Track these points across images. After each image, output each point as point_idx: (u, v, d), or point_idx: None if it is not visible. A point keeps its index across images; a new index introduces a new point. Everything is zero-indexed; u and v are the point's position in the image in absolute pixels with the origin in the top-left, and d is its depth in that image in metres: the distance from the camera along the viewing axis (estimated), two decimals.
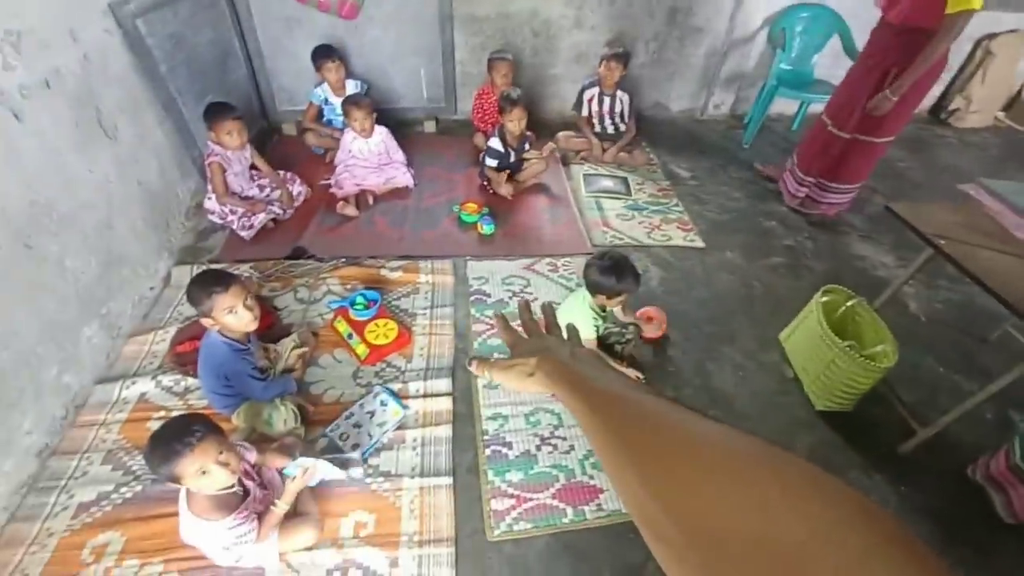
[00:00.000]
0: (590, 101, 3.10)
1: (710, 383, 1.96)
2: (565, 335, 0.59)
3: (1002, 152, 3.77)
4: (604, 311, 1.86)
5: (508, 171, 2.77)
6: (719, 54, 3.52)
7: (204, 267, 2.14)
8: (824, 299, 1.90)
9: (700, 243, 2.61)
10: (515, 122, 2.56)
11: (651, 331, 2.03)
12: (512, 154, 2.71)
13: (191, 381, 1.73)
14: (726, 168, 3.25)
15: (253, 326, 1.45)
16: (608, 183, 2.99)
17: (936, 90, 4.08)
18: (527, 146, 2.80)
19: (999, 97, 4.03)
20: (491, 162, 2.68)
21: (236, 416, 1.54)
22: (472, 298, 2.21)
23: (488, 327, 2.08)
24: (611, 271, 1.76)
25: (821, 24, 3.31)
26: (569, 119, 3.40)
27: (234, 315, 1.39)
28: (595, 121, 3.17)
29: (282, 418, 1.54)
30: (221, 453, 1.08)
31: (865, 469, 1.73)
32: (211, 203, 2.32)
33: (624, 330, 1.99)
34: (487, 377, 0.56)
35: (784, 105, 3.56)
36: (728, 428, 0.31)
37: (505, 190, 2.72)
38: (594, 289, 1.80)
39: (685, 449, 0.31)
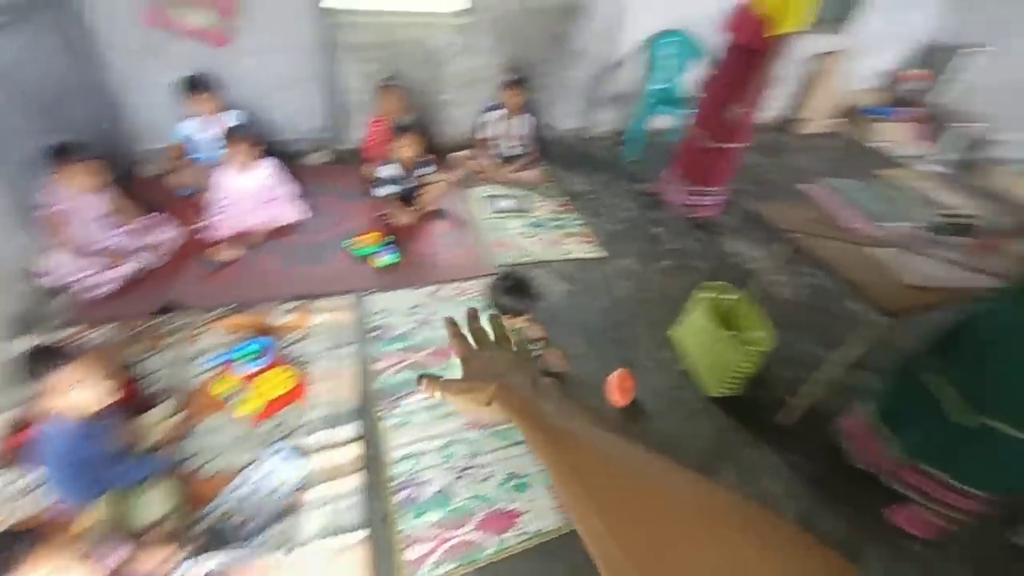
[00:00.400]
0: (491, 123, 3.15)
1: None
2: (514, 348, 0.56)
3: (835, 153, 4.39)
4: (511, 329, 1.86)
5: (406, 198, 2.71)
6: (598, 75, 3.76)
7: (48, 336, 1.84)
8: (705, 295, 2.05)
9: (600, 253, 2.73)
10: (407, 149, 2.52)
11: (620, 398, 2.01)
12: (408, 181, 2.67)
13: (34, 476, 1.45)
14: (617, 181, 3.45)
15: (109, 400, 1.26)
16: (509, 202, 3.04)
17: (783, 102, 4.67)
18: (425, 171, 2.77)
19: (830, 107, 4.70)
20: (386, 190, 2.62)
21: (96, 510, 1.31)
22: (375, 334, 2.12)
23: (396, 363, 1.99)
24: (513, 291, 1.77)
25: (685, 48, 3.66)
26: (464, 143, 3.44)
27: (83, 391, 1.20)
28: (499, 142, 3.22)
29: (153, 505, 1.34)
30: None
31: (757, 445, 1.88)
32: (56, 259, 2.02)
33: (533, 346, 2.00)
34: (436, 398, 0.51)
35: (663, 120, 3.86)
36: (699, 478, 0.31)
37: (406, 217, 2.67)
38: (502, 310, 1.80)
39: (656, 501, 0.29)
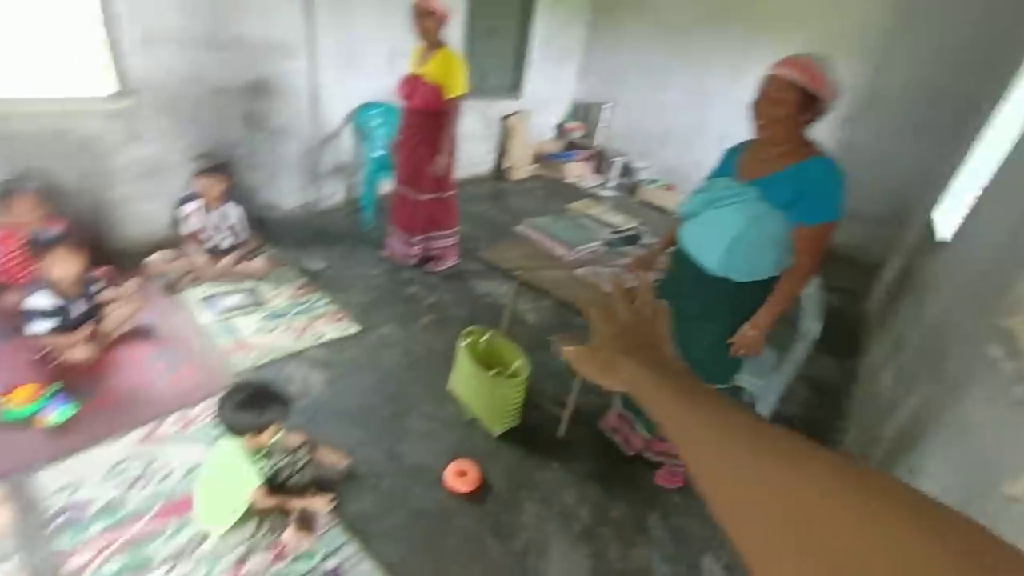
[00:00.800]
0: (191, 217, 2.69)
1: (405, 463, 1.90)
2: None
3: (542, 191, 5.27)
4: (262, 449, 1.57)
5: (75, 328, 2.08)
6: (313, 150, 3.67)
7: None
8: (465, 342, 2.12)
9: (355, 328, 2.58)
10: (61, 267, 1.95)
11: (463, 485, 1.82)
12: (74, 307, 2.06)
13: None
14: (358, 250, 3.38)
15: None
16: (235, 300, 2.65)
17: (490, 157, 5.40)
18: (98, 289, 2.18)
19: (528, 155, 5.64)
20: (42, 324, 1.96)
21: None
22: (61, 520, 1.52)
23: (104, 547, 1.46)
24: (251, 404, 1.50)
25: (389, 116, 3.87)
26: (162, 241, 2.89)
27: None
28: (204, 237, 2.77)
29: None
30: None
31: (546, 465, 1.99)
32: None
33: (295, 456, 1.72)
34: (568, 357, 0.49)
35: (389, 184, 3.98)
36: (839, 457, 0.28)
37: (81, 353, 2.04)
38: (239, 431, 1.50)
39: (808, 484, 0.27)
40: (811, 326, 1.87)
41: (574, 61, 5.81)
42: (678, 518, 1.86)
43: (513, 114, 5.28)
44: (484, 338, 2.20)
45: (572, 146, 6.00)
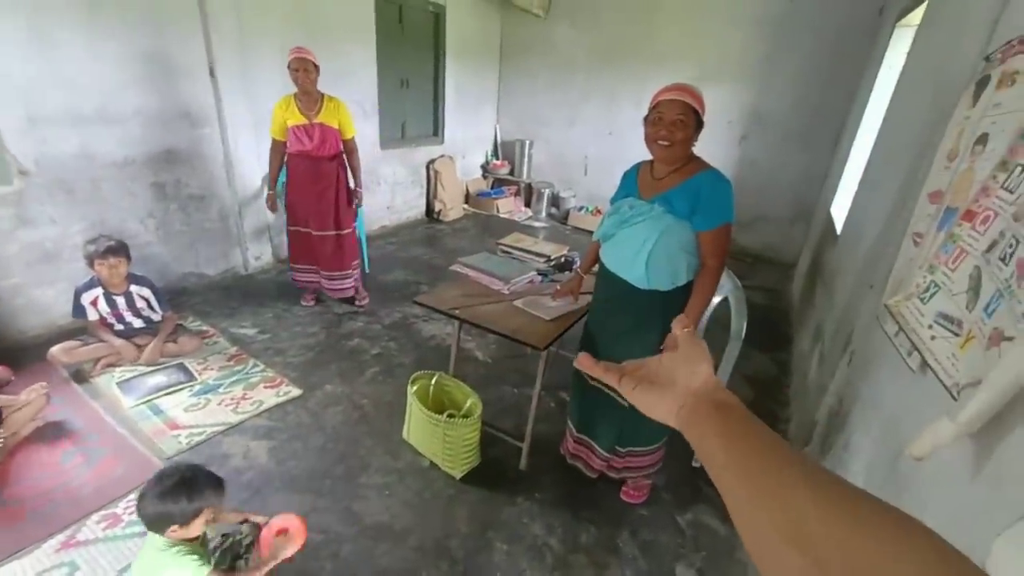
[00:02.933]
0: (94, 304, 2.50)
1: (365, 523, 1.81)
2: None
3: (477, 229, 5.36)
4: (196, 539, 1.44)
5: None
6: (234, 214, 3.55)
7: None
8: (414, 388, 2.08)
9: (296, 391, 2.46)
10: None
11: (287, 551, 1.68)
12: None
13: None
14: (291, 310, 3.26)
15: None
16: (159, 379, 2.45)
17: (421, 201, 5.45)
18: None
19: (459, 195, 5.75)
20: None
21: None
22: None
23: None
24: (178, 491, 1.38)
25: None
26: (65, 329, 2.67)
27: None
28: (113, 321, 2.58)
29: None
30: None
31: (511, 501, 1.95)
32: None
33: (238, 535, 1.59)
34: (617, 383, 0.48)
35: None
36: (896, 514, 0.28)
37: None
38: (166, 524, 1.37)
39: (869, 540, 0.26)
40: (739, 324, 2.00)
41: (491, 104, 6.07)
42: (647, 532, 1.88)
43: (438, 158, 5.39)
44: (433, 382, 2.17)
45: (500, 183, 6.19)
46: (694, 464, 2.18)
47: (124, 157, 2.89)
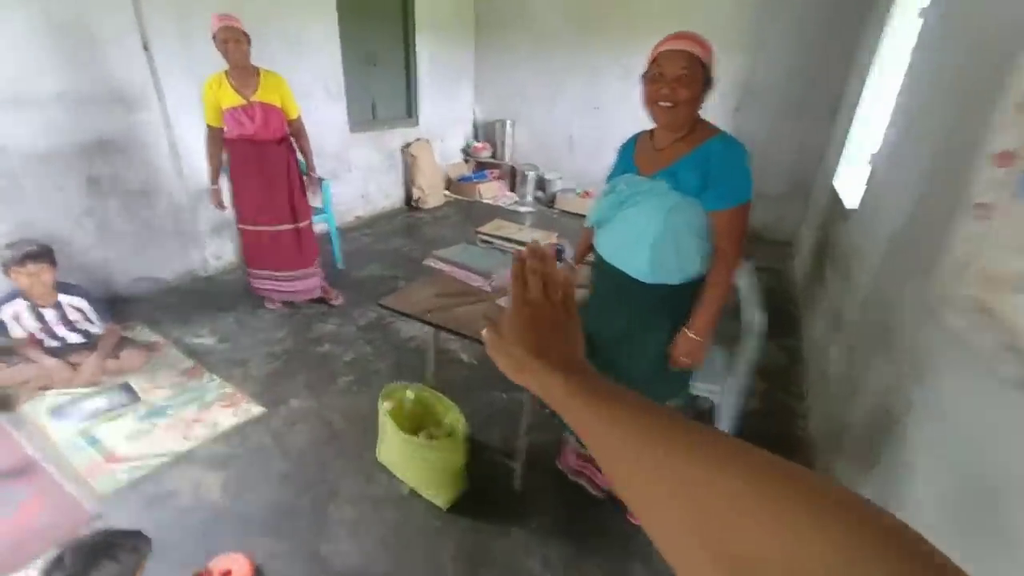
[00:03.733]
0: (17, 318, 2.17)
1: (334, 570, 1.55)
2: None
3: (459, 216, 5.04)
4: None
5: None
6: (186, 209, 3.21)
7: None
8: (386, 404, 1.81)
9: (257, 409, 2.18)
10: None
11: None
12: None
13: None
14: (256, 313, 2.95)
15: None
16: (97, 403, 2.15)
17: (399, 188, 5.11)
18: None
19: (438, 181, 5.41)
20: None
21: None
22: None
23: None
24: (87, 568, 1.11)
25: None
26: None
27: None
28: (43, 337, 2.26)
29: None
30: None
31: (505, 532, 1.70)
32: None
33: None
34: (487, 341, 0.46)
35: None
36: (741, 443, 0.29)
37: None
38: None
39: (708, 473, 0.27)
40: (756, 317, 1.75)
41: (468, 81, 5.70)
42: (662, 561, 1.64)
43: (414, 142, 5.04)
44: (409, 394, 1.90)
45: (482, 166, 5.86)
46: None
47: (47, 148, 2.53)
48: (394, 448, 1.79)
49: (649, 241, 1.29)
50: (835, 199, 3.04)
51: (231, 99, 2.46)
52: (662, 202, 1.27)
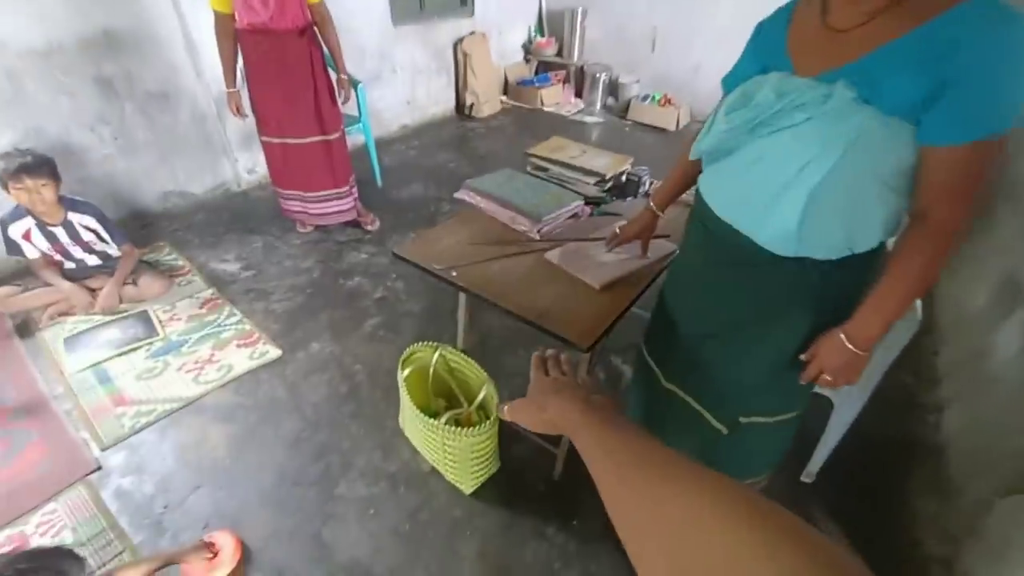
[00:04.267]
0: (28, 237, 2.00)
1: (336, 561, 1.34)
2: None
3: (516, 127, 4.43)
4: None
5: None
6: (211, 115, 2.88)
7: None
8: (406, 371, 1.48)
9: (274, 352, 1.95)
10: None
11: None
12: None
13: None
14: (285, 237, 2.68)
15: None
16: (113, 333, 2.01)
17: (449, 92, 4.52)
18: None
19: (495, 85, 4.74)
20: None
21: None
22: None
23: None
24: None
25: None
26: (18, 267, 2.24)
27: None
28: (60, 259, 2.10)
29: None
30: None
31: (541, 530, 1.42)
32: None
33: None
34: (507, 417, 0.55)
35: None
36: (717, 477, 0.30)
37: None
38: None
39: (678, 498, 0.29)
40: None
41: None
42: None
43: (467, 36, 4.34)
44: (435, 357, 1.56)
45: (545, 67, 5.06)
46: (804, 479, 1.54)
47: (46, 42, 2.21)
48: (411, 422, 1.50)
49: (803, 195, 0.76)
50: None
51: None
52: (840, 126, 0.72)
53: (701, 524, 0.27)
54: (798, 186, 0.77)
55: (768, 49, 0.86)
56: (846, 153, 0.72)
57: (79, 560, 0.89)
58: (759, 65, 0.86)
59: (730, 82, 0.93)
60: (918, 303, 1.22)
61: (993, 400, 1.52)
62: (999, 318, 1.69)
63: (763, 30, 0.90)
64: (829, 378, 0.89)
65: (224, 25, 2.12)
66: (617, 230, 1.27)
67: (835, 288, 0.87)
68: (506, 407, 0.56)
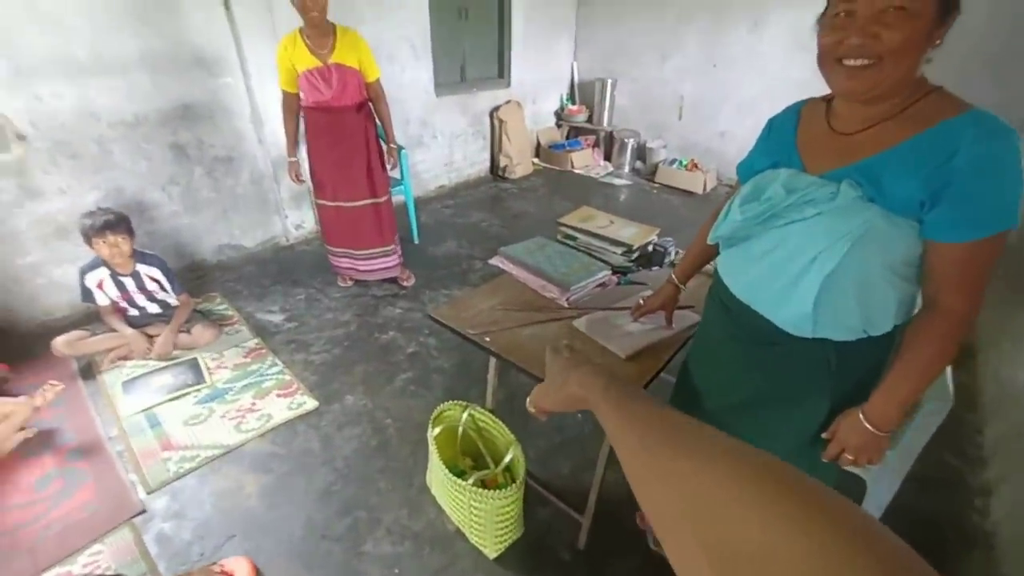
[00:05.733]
0: (100, 286, 2.21)
1: None
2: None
3: (547, 188, 4.62)
4: None
5: None
6: (267, 176, 3.15)
7: None
8: (437, 430, 1.54)
9: (311, 403, 2.04)
10: None
11: None
12: None
13: None
14: (326, 290, 2.84)
15: None
16: (165, 379, 2.14)
17: (485, 155, 4.79)
18: None
19: (527, 148, 5.00)
20: None
21: None
22: None
23: None
24: None
25: None
26: (88, 313, 2.44)
27: None
28: (125, 306, 2.29)
29: None
30: None
31: None
32: None
33: None
34: (531, 407, 0.57)
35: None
36: (743, 445, 0.30)
37: None
38: None
39: (709, 469, 0.29)
40: (944, 374, 1.20)
41: (567, 36, 5.12)
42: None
43: (503, 105, 4.65)
44: (464, 416, 1.61)
45: (576, 132, 5.33)
46: None
47: (134, 114, 2.51)
48: (438, 480, 1.53)
49: (816, 282, 0.82)
50: None
51: (306, 61, 2.24)
52: (848, 222, 0.79)
53: (733, 498, 0.26)
54: (812, 274, 0.83)
55: (779, 146, 0.94)
56: (855, 245, 0.78)
57: None
58: (770, 160, 0.94)
59: (744, 171, 1.01)
60: (949, 383, 1.21)
61: None
62: None
63: (774, 127, 0.99)
64: (851, 457, 0.90)
65: (290, 103, 2.38)
66: (641, 301, 1.33)
67: (853, 367, 0.90)
68: (528, 400, 0.58)
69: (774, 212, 0.86)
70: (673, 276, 1.28)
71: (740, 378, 1.02)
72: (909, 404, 0.85)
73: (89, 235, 2.10)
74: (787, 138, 0.93)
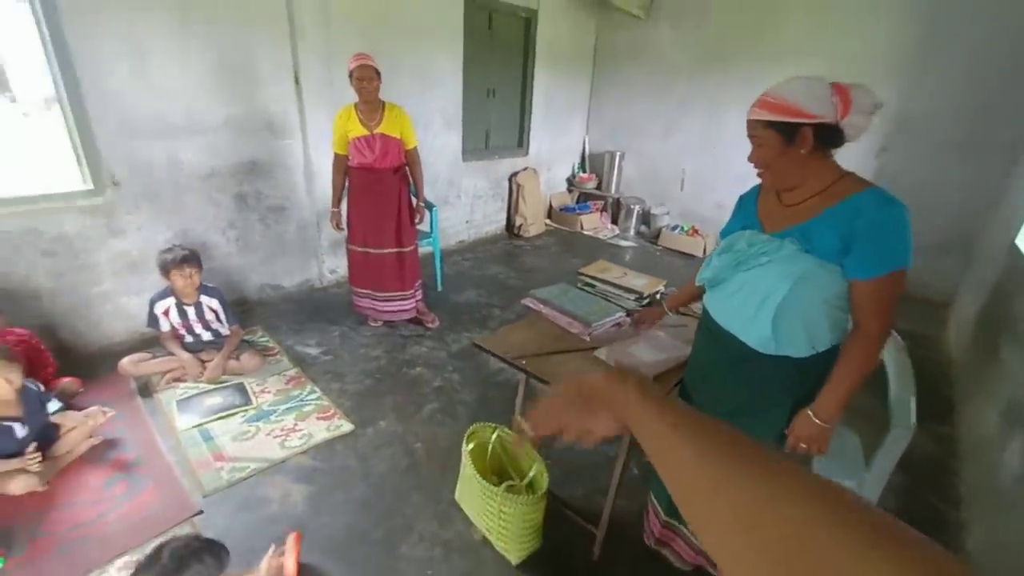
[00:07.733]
0: (166, 314, 2.48)
1: None
2: None
3: (558, 247, 4.99)
4: None
5: (13, 454, 1.81)
6: (312, 225, 3.50)
7: None
8: (470, 446, 1.75)
9: (347, 426, 2.24)
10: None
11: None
12: (18, 428, 1.79)
13: None
14: (358, 329, 3.10)
15: None
16: (215, 400, 2.36)
17: (502, 215, 5.20)
18: (57, 408, 1.93)
19: (540, 210, 5.42)
20: None
21: None
22: None
23: None
24: (180, 567, 1.17)
25: None
26: (143, 339, 2.69)
27: None
28: (184, 333, 2.55)
29: None
30: None
31: None
32: None
33: None
34: (528, 427, 0.52)
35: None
36: (802, 468, 0.30)
37: (22, 483, 1.75)
38: None
39: (775, 494, 0.29)
40: (908, 405, 1.44)
41: (580, 113, 5.70)
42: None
43: (521, 171, 5.12)
44: (493, 436, 1.82)
45: (586, 197, 5.78)
46: None
47: (210, 168, 2.90)
48: (472, 492, 1.72)
49: (770, 310, 1.11)
50: (1018, 261, 2.50)
51: (357, 130, 2.65)
52: (790, 267, 1.09)
53: (814, 532, 0.26)
54: (767, 305, 1.12)
55: (745, 214, 1.28)
56: (796, 283, 1.09)
57: (227, 552, 1.16)
58: (740, 224, 1.27)
59: (725, 233, 1.34)
60: (912, 414, 1.44)
61: (1004, 515, 1.63)
62: (1006, 438, 1.85)
63: (743, 202, 1.33)
64: (804, 446, 1.15)
65: (339, 163, 2.77)
66: (635, 313, 1.67)
67: (808, 376, 1.17)
68: (522, 417, 0.53)
69: (740, 260, 1.18)
70: (664, 304, 1.64)
71: (725, 390, 1.28)
72: (846, 402, 1.12)
73: (168, 267, 2.40)
74: (751, 208, 1.26)
